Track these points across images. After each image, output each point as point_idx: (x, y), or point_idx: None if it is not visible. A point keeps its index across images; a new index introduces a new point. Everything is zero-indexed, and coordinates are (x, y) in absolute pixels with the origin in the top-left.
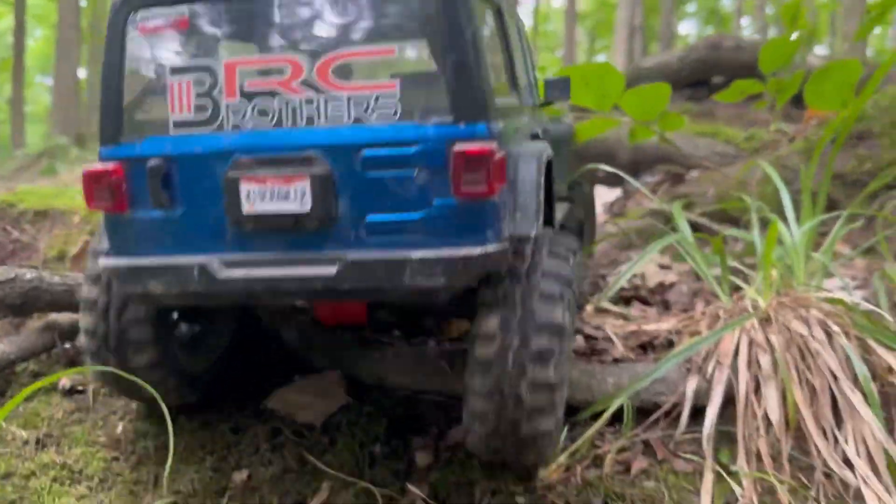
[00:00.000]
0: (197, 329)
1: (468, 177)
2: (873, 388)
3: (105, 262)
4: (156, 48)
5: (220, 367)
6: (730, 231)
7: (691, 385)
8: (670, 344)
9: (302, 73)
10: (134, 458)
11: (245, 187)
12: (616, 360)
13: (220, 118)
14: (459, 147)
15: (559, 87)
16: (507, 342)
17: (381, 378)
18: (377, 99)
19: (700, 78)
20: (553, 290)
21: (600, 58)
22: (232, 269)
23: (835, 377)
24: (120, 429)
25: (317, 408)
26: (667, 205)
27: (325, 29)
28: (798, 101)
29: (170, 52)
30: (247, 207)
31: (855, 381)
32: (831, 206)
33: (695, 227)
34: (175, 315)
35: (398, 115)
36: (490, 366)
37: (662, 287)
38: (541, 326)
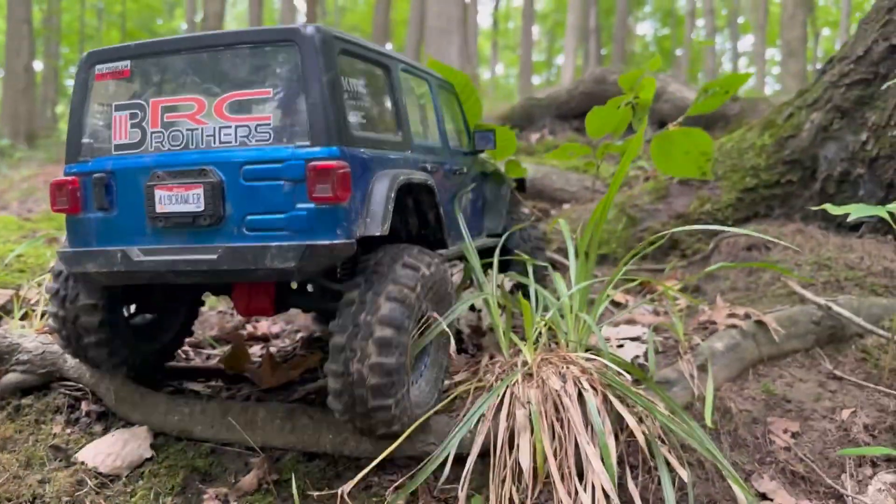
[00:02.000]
0: (149, 318)
1: (319, 186)
2: (609, 441)
3: (61, 249)
4: (107, 91)
5: (167, 349)
6: (520, 278)
7: (457, 437)
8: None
9: (205, 108)
10: None
11: (158, 193)
12: None
13: (146, 142)
14: (312, 163)
15: (485, 139)
16: (354, 333)
17: (187, 431)
18: (256, 127)
19: (587, 109)
20: (395, 292)
21: (559, 59)
22: (146, 255)
23: (579, 431)
24: None
25: (123, 459)
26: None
27: (221, 77)
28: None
29: (116, 93)
30: (159, 208)
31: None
32: (673, 245)
33: (552, 264)
34: (133, 307)
35: (271, 139)
36: (340, 351)
37: (478, 332)
38: (382, 321)
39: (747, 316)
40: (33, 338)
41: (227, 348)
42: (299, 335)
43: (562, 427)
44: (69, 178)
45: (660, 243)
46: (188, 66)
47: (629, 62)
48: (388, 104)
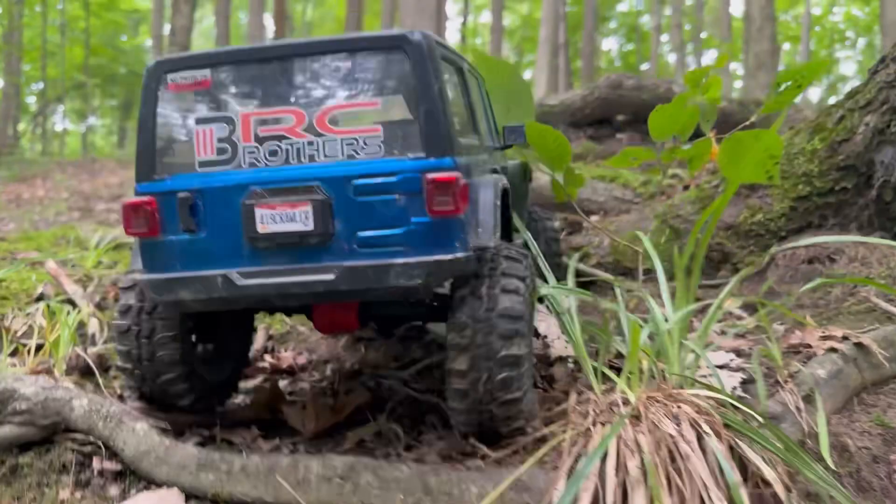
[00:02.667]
0: (211, 348)
1: (438, 199)
2: (743, 494)
3: (142, 277)
4: (183, 102)
5: (231, 379)
6: (610, 305)
7: (557, 494)
8: (542, 440)
9: (304, 121)
10: None
11: (259, 212)
12: (483, 457)
13: (238, 158)
14: (431, 176)
15: (515, 133)
16: (477, 329)
17: (226, 493)
18: (365, 140)
19: (603, 116)
20: (511, 285)
21: (527, 73)
22: (249, 278)
23: (705, 483)
24: None
25: None
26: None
27: (322, 87)
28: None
29: (195, 105)
30: (261, 228)
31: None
32: (723, 258)
33: (591, 281)
34: (194, 337)
35: (382, 152)
36: (464, 349)
37: (545, 361)
38: (503, 313)
39: (844, 338)
40: (31, 381)
41: (251, 385)
42: (329, 367)
43: (681, 479)
44: (145, 198)
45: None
46: (281, 76)
47: (596, 77)
48: (465, 106)
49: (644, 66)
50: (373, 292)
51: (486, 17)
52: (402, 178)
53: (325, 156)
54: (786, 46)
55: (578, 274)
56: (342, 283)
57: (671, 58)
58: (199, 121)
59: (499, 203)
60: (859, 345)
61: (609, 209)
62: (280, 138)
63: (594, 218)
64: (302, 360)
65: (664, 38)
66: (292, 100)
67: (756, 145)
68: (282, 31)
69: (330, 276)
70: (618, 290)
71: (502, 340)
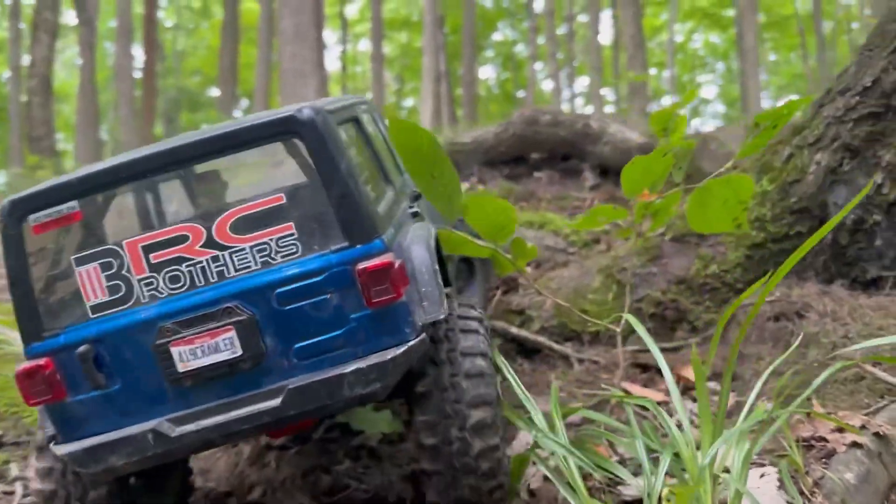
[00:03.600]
0: (148, 483)
1: (375, 289)
2: None
3: (60, 450)
4: (55, 243)
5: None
6: (597, 415)
7: None
8: None
9: (202, 236)
10: None
11: (175, 350)
12: None
13: (136, 294)
14: (361, 266)
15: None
16: (448, 425)
17: None
18: (278, 242)
19: (518, 154)
20: (475, 368)
21: (408, 101)
22: (183, 424)
23: None
24: None
25: None
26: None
27: (213, 194)
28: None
29: (70, 243)
30: (181, 367)
31: None
32: (679, 317)
33: (534, 349)
34: (132, 480)
35: (300, 251)
36: (437, 449)
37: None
38: (472, 402)
39: (863, 427)
40: None
41: None
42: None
43: None
44: (39, 361)
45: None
46: (162, 191)
47: (476, 105)
48: (372, 159)
49: (521, 94)
50: (328, 409)
51: (365, 45)
52: (330, 275)
53: (236, 269)
54: (652, 71)
55: (520, 342)
56: (291, 408)
57: (546, 85)
58: (78, 261)
59: (435, 258)
60: (878, 435)
61: (542, 260)
62: (179, 261)
63: (529, 268)
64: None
65: (539, 66)
66: (183, 215)
67: (725, 192)
68: (152, 62)
69: (276, 402)
70: (629, 409)
71: (477, 433)
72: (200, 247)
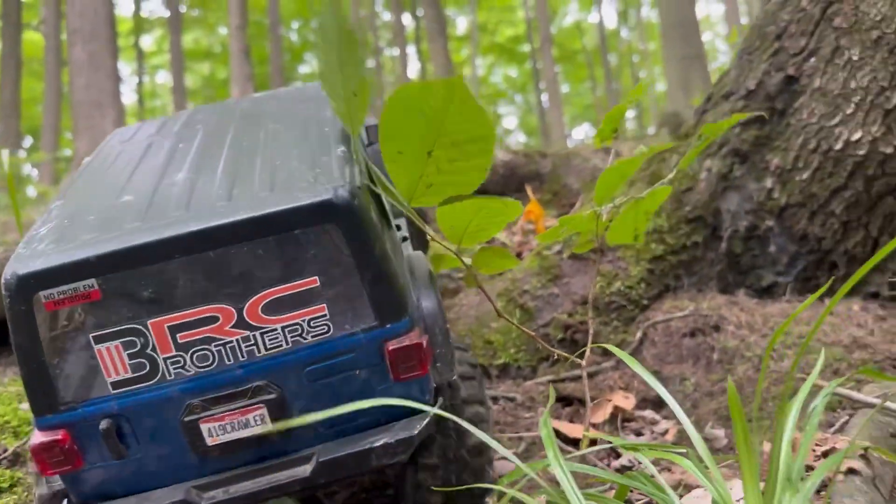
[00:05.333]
0: None
1: (402, 367)
2: None
3: None
4: (70, 320)
5: None
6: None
7: None
8: None
9: (233, 317)
10: None
11: (205, 426)
12: None
13: (161, 371)
14: (391, 346)
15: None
16: (450, 469)
17: None
18: (309, 322)
19: None
20: (478, 415)
21: None
22: (210, 490)
23: None
24: None
25: None
26: None
27: (245, 276)
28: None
29: (88, 320)
30: (210, 441)
31: None
32: (595, 338)
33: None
34: None
35: (331, 331)
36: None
37: None
38: (473, 449)
39: (831, 451)
40: None
41: None
42: None
43: None
44: (57, 434)
45: (560, 336)
46: (191, 271)
47: None
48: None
49: None
50: (355, 476)
51: (164, 77)
52: (360, 354)
53: (267, 349)
54: None
55: None
56: (321, 476)
57: None
58: (97, 339)
59: (444, 311)
60: (863, 457)
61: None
62: (207, 341)
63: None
64: None
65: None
66: (211, 296)
67: (637, 204)
68: None
69: (306, 471)
70: (650, 463)
71: (475, 476)
72: (231, 327)
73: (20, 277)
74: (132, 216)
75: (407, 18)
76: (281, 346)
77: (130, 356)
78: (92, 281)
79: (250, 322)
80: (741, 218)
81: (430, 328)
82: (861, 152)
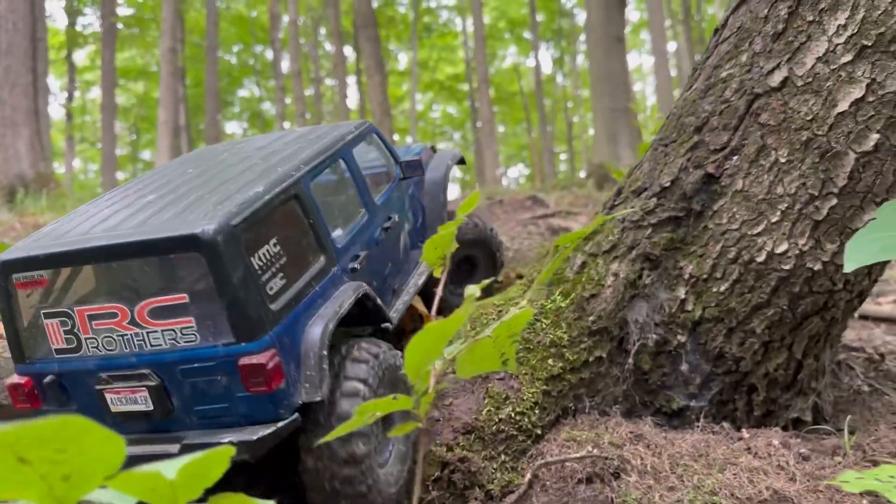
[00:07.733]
0: None
1: (252, 381)
2: None
3: None
4: (32, 297)
5: None
6: None
7: None
8: None
9: (128, 316)
10: None
11: (108, 395)
12: None
13: (83, 347)
14: (243, 361)
15: (412, 167)
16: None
17: None
18: (181, 330)
19: None
20: (350, 389)
21: (145, 154)
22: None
23: None
24: None
25: None
26: None
27: (133, 284)
28: None
29: (41, 300)
30: (113, 408)
31: None
32: (469, 480)
33: None
34: None
35: (198, 340)
36: (318, 481)
37: None
38: (344, 460)
39: None
40: None
41: None
42: None
43: None
44: (23, 379)
45: (435, 475)
46: (100, 275)
47: None
48: (306, 233)
49: None
50: None
51: (96, 93)
52: (219, 363)
53: (152, 345)
54: (395, 137)
55: None
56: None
57: None
58: (46, 315)
59: (326, 342)
60: None
61: None
62: (111, 331)
63: None
64: None
65: (287, 125)
66: (114, 297)
67: (501, 331)
68: None
69: (176, 449)
70: None
71: (346, 484)
72: (126, 323)
73: (3, 263)
74: (77, 234)
75: (348, 50)
76: (161, 345)
77: (65, 332)
78: (41, 272)
79: (139, 322)
80: (650, 331)
81: (305, 353)
82: (786, 267)
